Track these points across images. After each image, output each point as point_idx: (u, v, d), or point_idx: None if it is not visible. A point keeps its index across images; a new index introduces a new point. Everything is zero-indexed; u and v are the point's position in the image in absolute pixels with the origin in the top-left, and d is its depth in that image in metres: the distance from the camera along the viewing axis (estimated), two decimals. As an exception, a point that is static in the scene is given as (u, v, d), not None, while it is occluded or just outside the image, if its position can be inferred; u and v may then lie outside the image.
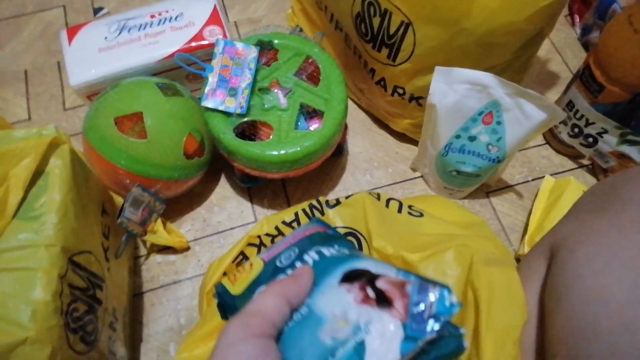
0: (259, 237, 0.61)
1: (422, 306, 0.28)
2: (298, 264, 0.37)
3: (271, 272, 0.37)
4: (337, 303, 0.31)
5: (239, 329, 0.28)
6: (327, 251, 0.38)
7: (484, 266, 0.48)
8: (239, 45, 0.66)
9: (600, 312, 0.37)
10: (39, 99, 0.87)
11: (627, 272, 0.37)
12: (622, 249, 0.38)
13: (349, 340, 0.28)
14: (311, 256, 0.37)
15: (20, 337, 0.41)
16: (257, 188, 0.79)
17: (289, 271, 0.36)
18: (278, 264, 0.38)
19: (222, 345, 0.28)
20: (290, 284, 0.32)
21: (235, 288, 0.36)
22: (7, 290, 0.42)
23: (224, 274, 0.61)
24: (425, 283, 0.29)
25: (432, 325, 0.27)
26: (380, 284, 0.31)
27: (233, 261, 0.61)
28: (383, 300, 0.29)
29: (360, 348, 0.28)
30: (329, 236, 0.42)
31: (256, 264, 0.38)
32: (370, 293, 0.30)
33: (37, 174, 0.48)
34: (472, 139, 0.66)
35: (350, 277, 0.32)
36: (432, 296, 0.28)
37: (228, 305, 0.36)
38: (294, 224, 0.61)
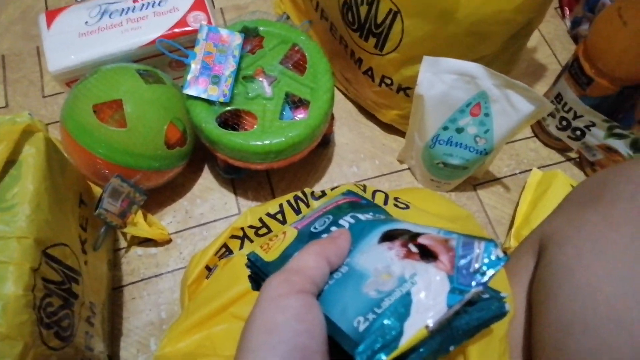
0: (242, 229, 0.60)
1: (467, 259, 0.27)
2: (333, 229, 0.35)
3: (306, 237, 0.35)
4: (379, 259, 0.30)
5: (282, 284, 0.28)
6: (362, 216, 0.36)
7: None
8: (223, 32, 0.64)
9: (589, 306, 0.36)
10: (17, 86, 0.84)
11: (616, 266, 0.37)
12: (612, 243, 0.38)
13: (394, 291, 0.28)
14: (347, 220, 0.36)
15: (-11, 333, 0.39)
16: (241, 179, 0.78)
17: (324, 235, 0.35)
18: (313, 229, 0.36)
19: (266, 299, 0.27)
20: (329, 244, 0.31)
21: (269, 255, 0.35)
22: (-24, 284, 0.40)
23: (207, 267, 0.59)
24: (469, 239, 0.29)
25: (479, 279, 0.26)
26: (423, 240, 0.30)
27: (215, 253, 0.60)
28: (427, 255, 0.29)
29: (406, 298, 0.27)
30: (363, 205, 0.40)
31: (290, 232, 0.36)
32: (413, 249, 0.30)
33: (10, 162, 0.46)
34: (460, 130, 0.65)
35: (390, 237, 0.32)
36: (478, 250, 0.27)
37: (262, 272, 0.34)
38: (279, 216, 0.59)
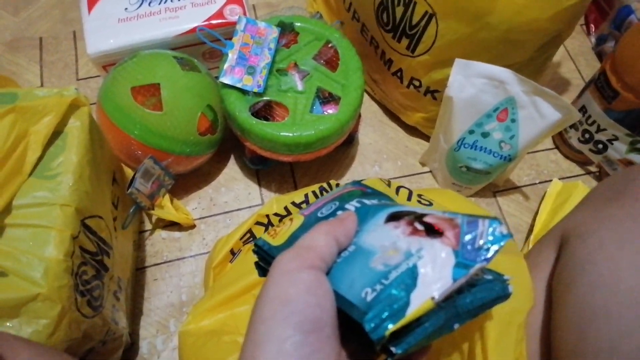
0: (267, 216, 0.61)
1: (472, 235, 0.28)
2: (340, 213, 0.36)
3: (313, 222, 0.36)
4: (386, 237, 0.31)
5: (292, 259, 0.29)
6: (368, 202, 0.37)
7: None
8: (261, 25, 0.66)
9: (612, 295, 0.37)
10: (52, 67, 0.86)
11: (638, 258, 0.38)
12: (635, 236, 0.39)
13: (401, 264, 0.29)
14: (353, 205, 0.37)
15: (32, 293, 0.41)
16: (266, 171, 0.79)
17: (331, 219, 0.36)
18: (319, 214, 0.37)
19: (278, 273, 0.28)
20: (337, 224, 0.32)
21: (276, 240, 0.35)
22: (21, 246, 0.42)
23: (231, 251, 0.61)
24: (474, 217, 0.29)
25: (484, 254, 0.27)
26: (428, 218, 0.31)
27: (241, 238, 0.61)
28: (433, 232, 0.30)
29: (413, 270, 0.28)
30: (369, 193, 0.41)
31: (297, 219, 0.37)
32: (419, 226, 0.30)
33: (56, 133, 0.48)
34: (486, 135, 0.67)
35: (396, 217, 0.32)
36: (482, 227, 0.28)
37: (269, 257, 0.35)
38: (303, 205, 0.61)
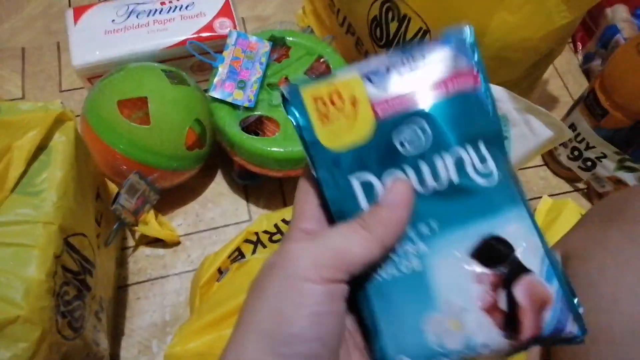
0: (256, 233, 0.60)
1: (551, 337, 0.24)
2: (423, 166, 0.25)
3: (383, 146, 0.25)
4: (458, 290, 0.24)
5: (313, 265, 0.23)
6: (472, 168, 0.25)
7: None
8: (252, 39, 0.65)
9: (614, 320, 0.37)
10: (35, 78, 0.84)
11: (639, 283, 0.37)
12: (634, 259, 0.38)
13: (456, 351, 0.24)
14: (447, 166, 0.25)
15: (11, 315, 0.38)
16: (254, 187, 0.78)
17: (407, 167, 0.25)
18: (395, 140, 0.25)
19: (285, 273, 0.23)
20: (387, 221, 0.24)
21: (328, 138, 0.25)
22: (2, 265, 0.40)
23: (219, 269, 0.59)
24: (568, 302, 0.25)
25: None
26: (518, 292, 0.24)
27: (229, 257, 0.60)
28: (512, 323, 0.24)
29: None
30: (486, 115, 0.26)
31: (364, 115, 0.25)
32: (502, 303, 0.24)
33: (40, 148, 0.46)
34: (477, 152, 0.66)
35: (487, 255, 0.24)
36: (570, 327, 0.24)
37: (309, 154, 0.26)
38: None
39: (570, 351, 0.39)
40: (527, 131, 0.63)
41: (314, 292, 0.22)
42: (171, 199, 0.75)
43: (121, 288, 0.69)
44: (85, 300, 0.50)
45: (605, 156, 0.74)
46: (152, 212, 0.69)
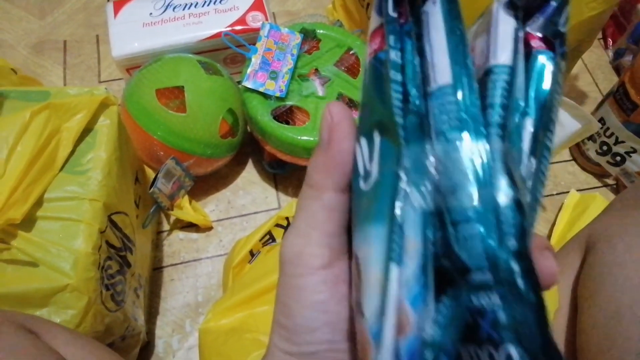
0: (287, 218, 0.62)
1: None
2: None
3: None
4: None
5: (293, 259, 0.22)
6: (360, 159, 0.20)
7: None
8: (284, 31, 0.67)
9: (639, 297, 0.37)
10: (75, 69, 0.88)
11: None
12: None
13: None
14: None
15: (61, 284, 0.41)
16: (284, 176, 0.80)
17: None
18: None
19: (286, 269, 0.22)
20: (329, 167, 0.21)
21: None
22: (52, 237, 0.43)
23: (250, 252, 0.61)
24: None
25: None
26: None
27: (260, 240, 0.62)
28: None
29: None
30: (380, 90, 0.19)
31: None
32: None
33: (86, 131, 0.49)
34: (504, 144, 0.67)
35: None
36: None
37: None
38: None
39: (596, 333, 0.40)
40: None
41: (310, 282, 0.22)
42: (205, 186, 0.78)
43: (156, 270, 0.72)
44: (125, 276, 0.53)
45: (634, 151, 0.74)
46: (186, 197, 0.72)
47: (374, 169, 0.18)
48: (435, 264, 0.16)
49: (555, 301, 0.46)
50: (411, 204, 0.16)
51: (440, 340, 0.16)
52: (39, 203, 0.45)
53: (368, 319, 0.18)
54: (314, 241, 0.21)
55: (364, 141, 0.20)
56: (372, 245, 0.18)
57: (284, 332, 0.23)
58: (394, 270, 0.17)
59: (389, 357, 0.17)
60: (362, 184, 0.19)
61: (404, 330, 0.16)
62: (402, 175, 0.16)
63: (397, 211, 0.16)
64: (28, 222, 0.43)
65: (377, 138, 0.19)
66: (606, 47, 0.98)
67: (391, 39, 0.18)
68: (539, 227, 0.78)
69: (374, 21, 0.19)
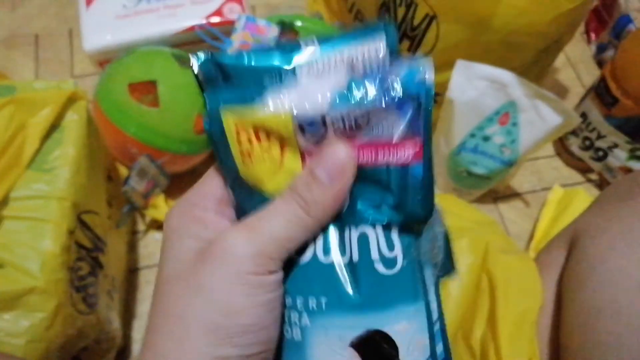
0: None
1: None
2: (332, 233, 0.23)
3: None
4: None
5: (252, 258, 0.21)
6: (376, 251, 0.23)
7: (500, 254, 0.49)
8: (261, 23, 0.65)
9: (620, 291, 0.37)
10: (47, 64, 0.85)
11: None
12: None
13: None
14: (352, 241, 0.23)
15: (28, 285, 0.40)
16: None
17: None
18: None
19: (231, 269, 0.22)
20: (328, 201, 0.22)
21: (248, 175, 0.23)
22: (18, 238, 0.41)
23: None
24: None
25: None
26: None
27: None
28: None
29: None
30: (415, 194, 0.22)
31: (290, 165, 0.22)
32: None
33: (53, 126, 0.47)
34: (486, 139, 0.66)
35: (366, 348, 0.22)
36: None
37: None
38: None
39: (578, 329, 0.39)
40: (536, 117, 0.63)
41: (265, 281, 0.21)
42: (181, 184, 0.76)
43: (132, 272, 0.70)
44: (98, 277, 0.51)
45: (616, 145, 0.74)
46: (162, 196, 0.70)
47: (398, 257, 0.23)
48: None
49: (540, 297, 0.46)
50: None
51: None
52: (4, 202, 0.43)
53: None
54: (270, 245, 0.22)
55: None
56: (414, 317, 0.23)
57: (215, 335, 0.21)
58: None
59: None
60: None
61: None
62: None
63: None
64: (-7, 222, 0.41)
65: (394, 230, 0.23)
66: (589, 41, 0.98)
67: None
68: (524, 224, 0.78)
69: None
